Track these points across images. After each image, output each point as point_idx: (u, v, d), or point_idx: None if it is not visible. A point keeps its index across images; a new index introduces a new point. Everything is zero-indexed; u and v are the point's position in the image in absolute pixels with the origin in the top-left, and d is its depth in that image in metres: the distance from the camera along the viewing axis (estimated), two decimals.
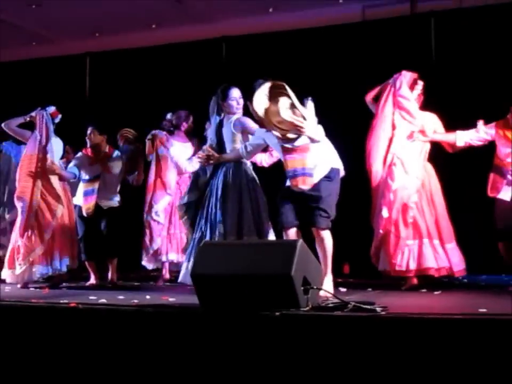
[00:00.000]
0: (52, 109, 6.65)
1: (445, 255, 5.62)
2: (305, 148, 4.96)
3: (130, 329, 3.81)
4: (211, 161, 5.49)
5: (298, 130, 4.76)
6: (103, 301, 4.39)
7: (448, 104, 7.21)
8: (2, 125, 6.75)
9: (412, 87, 5.83)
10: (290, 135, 4.85)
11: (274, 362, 3.40)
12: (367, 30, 8.47)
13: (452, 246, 5.71)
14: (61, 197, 6.40)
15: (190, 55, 9.26)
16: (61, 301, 4.33)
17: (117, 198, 6.80)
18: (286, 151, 5.00)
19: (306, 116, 4.85)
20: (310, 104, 5.40)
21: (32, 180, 6.36)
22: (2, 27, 9.68)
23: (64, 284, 6.47)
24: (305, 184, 4.96)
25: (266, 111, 4.78)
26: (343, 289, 5.23)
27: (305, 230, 5.14)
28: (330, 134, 7.43)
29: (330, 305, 3.69)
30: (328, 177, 5.05)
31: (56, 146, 6.63)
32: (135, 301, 4.38)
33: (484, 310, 3.56)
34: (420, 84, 5.87)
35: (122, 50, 9.67)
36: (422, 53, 8.04)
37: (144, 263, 6.90)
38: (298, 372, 3.35)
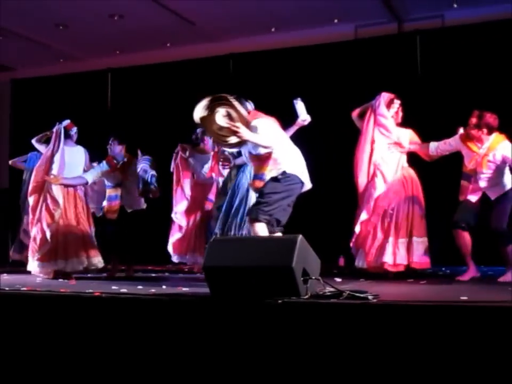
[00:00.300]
0: (66, 122, 6.61)
1: (405, 252, 5.71)
2: (266, 157, 4.86)
3: (148, 316, 3.82)
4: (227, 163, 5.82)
5: (236, 135, 4.68)
6: (124, 290, 4.39)
7: (432, 116, 7.24)
8: (33, 140, 7.01)
9: (388, 106, 5.91)
10: (232, 140, 4.77)
11: (277, 346, 3.42)
12: (359, 47, 8.51)
13: (421, 240, 5.77)
14: (58, 202, 6.30)
15: (201, 71, 9.30)
16: (86, 291, 4.33)
17: (141, 202, 6.78)
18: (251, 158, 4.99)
19: (255, 125, 4.78)
20: (299, 104, 5.44)
21: (37, 193, 6.42)
22: (33, 46, 9.73)
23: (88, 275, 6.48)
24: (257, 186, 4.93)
25: (204, 119, 4.74)
26: (338, 279, 5.24)
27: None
28: (325, 143, 7.49)
29: (327, 293, 3.70)
30: (275, 179, 4.83)
31: (76, 155, 6.62)
32: (152, 290, 4.39)
33: (465, 298, 3.58)
34: (397, 102, 5.94)
35: (140, 66, 9.71)
36: (408, 68, 8.08)
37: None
38: (298, 354, 3.36)
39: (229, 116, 4.74)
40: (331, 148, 7.98)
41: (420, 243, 5.76)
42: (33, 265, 6.29)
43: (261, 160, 4.88)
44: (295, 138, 5.39)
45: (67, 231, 6.33)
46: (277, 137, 4.88)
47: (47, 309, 4.14)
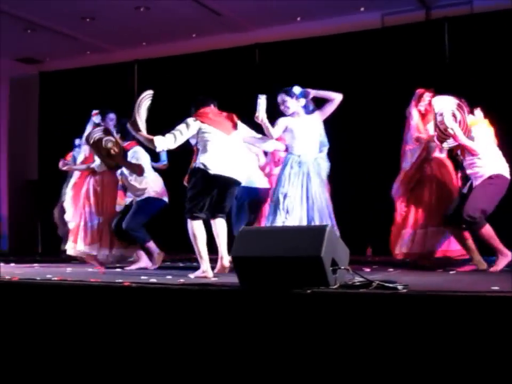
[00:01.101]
0: (94, 111, 6.76)
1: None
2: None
3: (177, 305, 3.83)
4: None
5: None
6: (153, 280, 4.41)
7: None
8: None
9: (418, 101, 5.81)
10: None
11: (306, 336, 3.41)
12: (386, 36, 8.43)
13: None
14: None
15: (227, 61, 9.29)
16: (116, 281, 4.36)
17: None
18: None
19: None
20: (262, 100, 5.35)
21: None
22: (60, 39, 9.80)
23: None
24: None
25: None
26: (367, 269, 5.21)
27: None
28: (353, 134, 7.40)
29: (357, 283, 3.68)
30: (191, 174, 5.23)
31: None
32: (181, 280, 4.40)
33: (497, 288, 3.53)
34: (427, 96, 5.80)
35: (166, 57, 9.73)
36: (436, 57, 7.98)
37: None
38: (327, 344, 3.35)
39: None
40: (357, 138, 7.93)
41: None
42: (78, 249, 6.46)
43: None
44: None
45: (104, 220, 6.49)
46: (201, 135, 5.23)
47: (77, 298, 4.17)
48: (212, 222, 5.20)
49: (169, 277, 4.79)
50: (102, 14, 8.78)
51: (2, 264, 6.78)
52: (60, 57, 10.79)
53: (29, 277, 4.79)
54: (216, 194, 5.14)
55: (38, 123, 10.92)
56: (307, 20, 8.93)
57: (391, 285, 3.53)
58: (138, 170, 6.25)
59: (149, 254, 6.45)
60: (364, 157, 7.78)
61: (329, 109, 5.55)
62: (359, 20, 8.61)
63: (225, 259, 5.15)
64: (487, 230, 5.25)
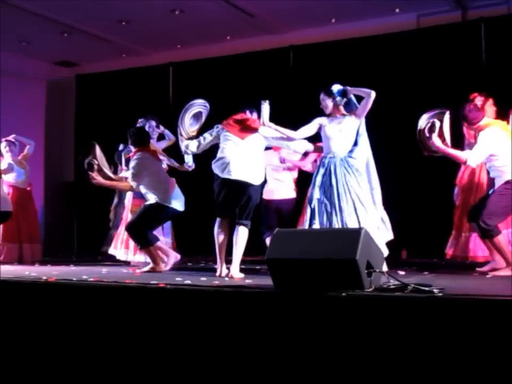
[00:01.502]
0: (139, 119, 6.98)
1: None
2: None
3: (211, 307, 3.85)
4: None
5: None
6: (188, 282, 4.43)
7: (498, 107, 7.05)
8: None
9: (482, 107, 5.74)
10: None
11: (340, 338, 3.40)
12: (421, 37, 8.35)
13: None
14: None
15: (261, 64, 9.30)
16: (151, 282, 4.39)
17: None
18: None
19: None
20: (265, 106, 5.43)
21: None
22: (96, 42, 9.92)
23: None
24: None
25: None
26: (401, 272, 5.18)
27: None
28: (390, 135, 7.31)
29: (392, 286, 3.66)
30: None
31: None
32: (216, 282, 4.42)
33: None
34: (478, 102, 5.82)
35: (201, 60, 9.77)
36: (473, 58, 7.88)
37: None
38: (362, 347, 3.34)
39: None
40: (394, 139, 7.86)
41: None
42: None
43: None
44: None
45: None
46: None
47: (113, 299, 4.22)
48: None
49: (203, 278, 4.81)
50: (138, 17, 8.86)
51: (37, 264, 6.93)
52: (96, 60, 10.92)
53: (65, 277, 4.85)
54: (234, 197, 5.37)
55: (74, 125, 11.06)
56: (342, 22, 8.89)
57: (426, 288, 3.50)
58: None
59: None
60: (399, 158, 7.72)
61: (365, 106, 5.49)
62: (394, 21, 8.55)
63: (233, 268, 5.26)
64: (500, 240, 5.20)
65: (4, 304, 4.56)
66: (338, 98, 5.48)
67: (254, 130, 5.49)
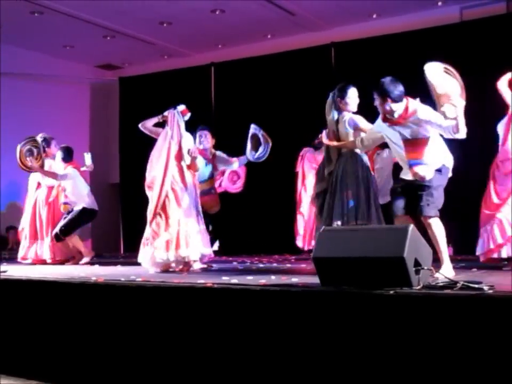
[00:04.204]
0: (182, 107, 6.30)
1: None
2: (423, 142, 4.75)
3: (257, 305, 3.87)
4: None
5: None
6: (235, 281, 4.45)
7: None
8: (139, 125, 6.37)
9: None
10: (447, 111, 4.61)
11: (389, 336, 3.38)
12: (465, 30, 8.24)
13: None
14: (188, 188, 6.03)
15: (302, 61, 9.29)
16: (198, 281, 4.42)
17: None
18: (406, 144, 4.81)
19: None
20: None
21: (162, 171, 5.97)
22: (138, 44, 10.06)
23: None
24: (421, 173, 4.72)
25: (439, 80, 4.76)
26: None
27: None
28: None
29: (440, 284, 3.62)
30: (439, 171, 4.77)
31: (187, 141, 6.30)
32: (263, 281, 4.43)
33: None
34: None
35: (242, 59, 9.81)
36: None
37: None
38: (412, 345, 3.32)
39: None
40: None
41: None
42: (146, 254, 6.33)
43: (417, 145, 4.79)
44: None
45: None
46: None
47: (161, 299, 4.27)
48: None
49: (250, 277, 4.83)
50: (179, 18, 8.95)
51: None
52: (138, 63, 11.08)
53: (114, 278, 4.93)
54: None
55: (118, 127, 11.21)
56: (383, 17, 8.85)
57: (476, 286, 3.46)
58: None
59: None
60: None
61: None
62: (437, 15, 8.46)
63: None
64: None
65: (55, 305, 4.66)
66: None
67: None
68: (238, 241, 8.91)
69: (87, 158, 7.87)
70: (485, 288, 3.43)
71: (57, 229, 7.47)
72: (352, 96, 5.49)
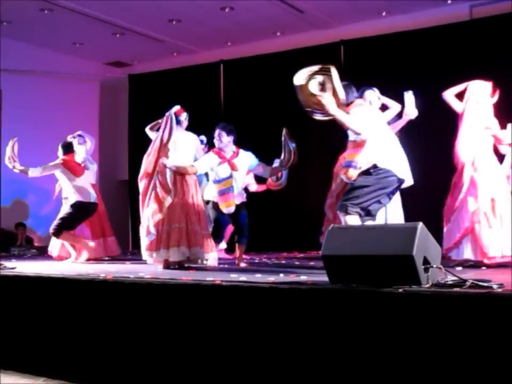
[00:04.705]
0: (176, 107, 6.28)
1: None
2: (360, 144, 4.82)
3: (267, 303, 3.87)
4: None
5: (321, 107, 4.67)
6: (243, 278, 4.45)
7: None
8: (146, 129, 6.56)
9: (493, 93, 5.74)
10: (318, 116, 4.76)
11: (398, 334, 3.38)
12: (475, 28, 8.21)
13: None
14: (171, 190, 6.00)
15: (311, 59, 9.23)
16: (207, 279, 4.43)
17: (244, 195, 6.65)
18: (348, 145, 4.97)
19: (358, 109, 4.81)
20: (409, 96, 5.49)
21: (148, 177, 6.12)
22: (148, 42, 10.07)
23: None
24: (348, 174, 4.87)
25: (300, 84, 4.85)
26: (458, 268, 5.11)
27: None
28: (446, 128, 7.16)
29: (449, 282, 3.61)
30: (366, 172, 4.80)
31: (187, 141, 6.29)
32: (271, 278, 4.43)
33: None
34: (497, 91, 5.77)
35: (251, 57, 9.81)
36: None
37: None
38: (421, 343, 3.31)
39: (322, 86, 4.71)
40: (451, 132, 7.74)
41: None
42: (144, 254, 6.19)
43: (355, 147, 4.87)
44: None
45: (171, 219, 6.02)
46: (374, 129, 4.82)
47: (170, 296, 4.28)
48: None
49: (258, 275, 4.83)
50: (188, 16, 8.95)
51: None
52: (148, 60, 11.09)
53: (122, 275, 4.94)
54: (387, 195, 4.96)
55: (127, 125, 11.23)
56: (392, 15, 8.82)
57: (485, 284, 3.45)
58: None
59: None
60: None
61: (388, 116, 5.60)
62: (446, 13, 8.43)
63: None
64: None
65: (64, 302, 4.68)
66: None
67: None
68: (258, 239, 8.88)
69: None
70: (494, 286, 3.42)
71: (50, 228, 7.27)
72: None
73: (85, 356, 4.46)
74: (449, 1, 8.40)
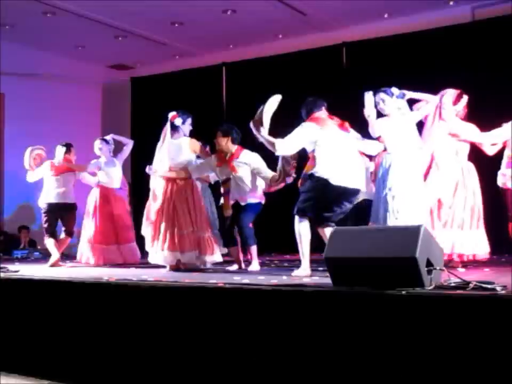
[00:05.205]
0: (170, 114, 6.37)
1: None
2: (311, 156, 5.34)
3: (269, 305, 3.86)
4: None
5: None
6: (246, 281, 4.45)
7: None
8: None
9: (456, 101, 5.87)
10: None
11: (401, 336, 3.37)
12: (477, 30, 8.20)
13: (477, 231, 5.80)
14: (156, 196, 6.27)
15: (313, 61, 9.29)
16: (210, 281, 4.43)
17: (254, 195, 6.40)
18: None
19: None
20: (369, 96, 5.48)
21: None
22: (150, 45, 10.08)
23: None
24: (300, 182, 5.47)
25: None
26: (461, 270, 5.10)
27: None
28: None
29: (453, 284, 3.61)
30: (308, 179, 5.29)
31: (182, 146, 6.31)
32: (274, 281, 4.43)
33: None
34: (465, 98, 5.90)
35: (253, 59, 9.82)
36: None
37: None
38: (424, 345, 3.30)
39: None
40: None
41: (476, 234, 5.76)
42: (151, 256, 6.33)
43: (309, 159, 5.36)
44: None
45: (167, 224, 6.18)
46: (323, 142, 5.23)
47: (172, 299, 4.27)
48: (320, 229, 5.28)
49: (261, 277, 4.82)
50: (190, 18, 8.96)
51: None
52: (150, 63, 11.10)
53: (125, 277, 4.94)
54: (332, 202, 5.21)
55: (130, 127, 11.23)
56: (394, 17, 8.82)
57: (489, 286, 3.45)
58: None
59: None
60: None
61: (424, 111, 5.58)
62: (448, 14, 8.43)
63: None
64: None
65: (67, 305, 4.68)
66: (399, 100, 5.49)
67: (347, 130, 5.48)
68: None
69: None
70: (498, 288, 3.41)
71: None
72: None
73: (88, 358, 4.46)
74: (451, 3, 8.40)
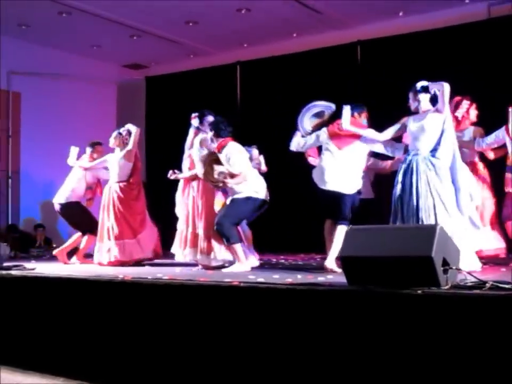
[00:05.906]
0: (193, 114, 6.49)
1: None
2: None
3: (284, 304, 3.86)
4: None
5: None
6: (261, 279, 4.44)
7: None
8: None
9: (455, 108, 6.09)
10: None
11: (416, 336, 3.35)
12: (493, 27, 8.13)
13: None
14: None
15: (328, 60, 9.26)
16: (225, 280, 4.43)
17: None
18: None
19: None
20: (345, 110, 5.57)
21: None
22: (165, 44, 10.09)
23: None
24: None
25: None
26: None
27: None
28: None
29: (469, 284, 3.58)
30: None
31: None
32: (289, 280, 4.42)
33: None
34: (465, 103, 6.09)
35: (268, 58, 9.80)
36: None
37: None
38: (440, 345, 3.28)
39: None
40: None
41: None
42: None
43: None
44: None
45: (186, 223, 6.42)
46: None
47: (188, 297, 4.28)
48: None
49: (276, 276, 4.82)
50: (205, 17, 8.96)
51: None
52: (165, 62, 11.10)
53: (141, 276, 4.95)
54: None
55: (145, 127, 11.23)
56: (409, 15, 8.76)
57: (506, 286, 3.42)
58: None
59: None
60: None
61: (441, 99, 5.30)
62: (464, 12, 8.36)
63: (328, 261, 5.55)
64: None
65: (83, 302, 4.70)
66: (421, 94, 5.38)
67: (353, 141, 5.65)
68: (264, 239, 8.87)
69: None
70: None
71: None
72: None
73: (104, 356, 4.47)
74: (466, 1, 8.34)
